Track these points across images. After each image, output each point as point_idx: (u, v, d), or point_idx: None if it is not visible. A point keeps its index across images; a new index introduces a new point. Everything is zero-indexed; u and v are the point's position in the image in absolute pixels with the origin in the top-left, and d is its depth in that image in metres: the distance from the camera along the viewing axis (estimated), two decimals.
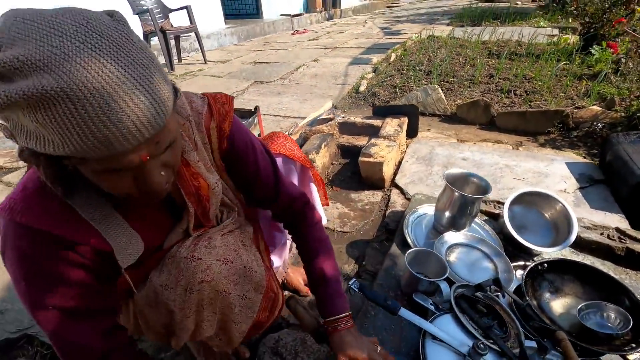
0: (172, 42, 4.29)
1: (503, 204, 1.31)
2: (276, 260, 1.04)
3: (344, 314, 0.76)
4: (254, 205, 0.85)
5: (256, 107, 2.08)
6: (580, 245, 1.20)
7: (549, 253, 1.13)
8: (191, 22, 4.15)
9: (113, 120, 0.37)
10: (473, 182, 1.18)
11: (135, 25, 4.26)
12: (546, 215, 1.23)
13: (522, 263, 1.12)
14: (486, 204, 1.41)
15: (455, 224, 1.17)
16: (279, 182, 0.79)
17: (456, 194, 1.12)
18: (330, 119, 2.13)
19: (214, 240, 0.69)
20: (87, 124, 0.36)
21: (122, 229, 0.59)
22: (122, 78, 0.37)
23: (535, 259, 1.14)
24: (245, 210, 0.84)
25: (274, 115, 2.63)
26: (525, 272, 0.98)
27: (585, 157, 1.87)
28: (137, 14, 3.87)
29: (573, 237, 1.10)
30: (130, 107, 0.38)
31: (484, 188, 1.14)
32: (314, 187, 1.05)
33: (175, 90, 0.49)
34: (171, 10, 4.26)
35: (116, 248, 0.58)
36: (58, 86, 0.34)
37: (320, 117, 2.23)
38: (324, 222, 1.06)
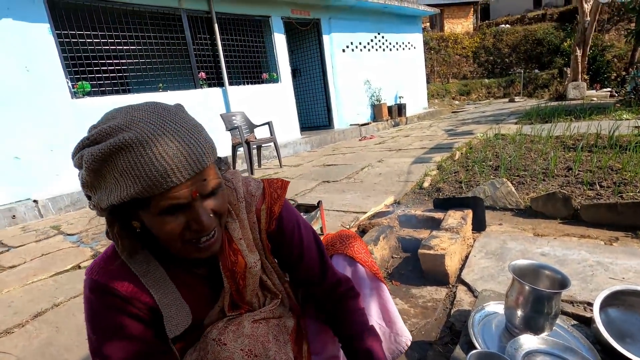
0: (255, 151, 4.97)
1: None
2: None
3: None
4: (299, 286, 0.86)
5: (319, 202, 2.21)
6: None
7: None
8: (271, 135, 4.83)
9: (170, 155, 0.52)
10: (546, 275, 1.04)
11: (227, 139, 5.10)
12: None
13: None
14: (573, 305, 1.19)
15: (531, 325, 1.00)
16: (325, 264, 0.81)
17: (527, 287, 0.99)
18: (390, 212, 2.14)
19: (243, 327, 0.67)
20: (151, 160, 0.51)
21: (174, 298, 0.65)
22: (176, 128, 0.54)
23: None
24: (291, 301, 0.84)
25: (337, 211, 2.73)
26: None
27: None
28: (229, 130, 4.67)
29: None
30: (182, 146, 0.53)
31: (562, 282, 0.99)
32: (388, 298, 0.97)
33: (220, 159, 0.64)
34: (256, 126, 5.06)
35: (165, 316, 0.63)
36: (134, 136, 0.51)
37: (380, 211, 2.25)
38: (407, 342, 0.98)
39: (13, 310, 1.83)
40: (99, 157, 0.51)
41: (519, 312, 1.02)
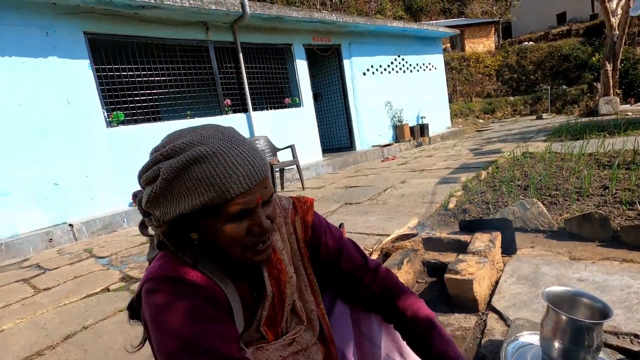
0: (277, 173, 5.05)
1: None
2: None
3: None
4: (346, 281, 0.84)
5: (341, 225, 2.18)
6: None
7: None
8: (294, 157, 4.91)
9: (241, 163, 0.58)
10: (584, 303, 0.97)
11: None
12: None
13: None
14: (618, 337, 1.09)
15: (570, 359, 0.92)
16: (363, 253, 0.88)
17: (563, 317, 0.92)
18: (414, 235, 2.09)
19: None
20: (226, 168, 0.57)
21: (236, 298, 0.68)
22: (242, 141, 0.61)
23: None
24: (324, 324, 0.82)
25: (360, 233, 2.69)
26: None
27: None
28: None
29: None
30: (250, 156, 0.60)
31: (602, 311, 0.92)
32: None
33: (271, 165, 0.69)
34: (279, 149, 5.16)
35: (235, 310, 0.66)
36: (209, 149, 0.57)
37: (404, 233, 2.20)
38: None
39: (45, 332, 1.89)
40: (177, 168, 0.56)
41: (557, 344, 0.94)
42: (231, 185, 0.56)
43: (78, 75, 4.32)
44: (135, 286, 2.35)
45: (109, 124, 4.59)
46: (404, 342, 0.91)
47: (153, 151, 0.61)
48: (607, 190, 2.60)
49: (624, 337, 1.11)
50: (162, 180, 0.57)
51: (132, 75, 4.80)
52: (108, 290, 2.38)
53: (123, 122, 4.78)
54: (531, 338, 1.11)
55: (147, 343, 0.66)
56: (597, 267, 1.65)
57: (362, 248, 0.92)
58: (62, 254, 3.53)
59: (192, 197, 0.56)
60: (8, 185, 3.86)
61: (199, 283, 0.62)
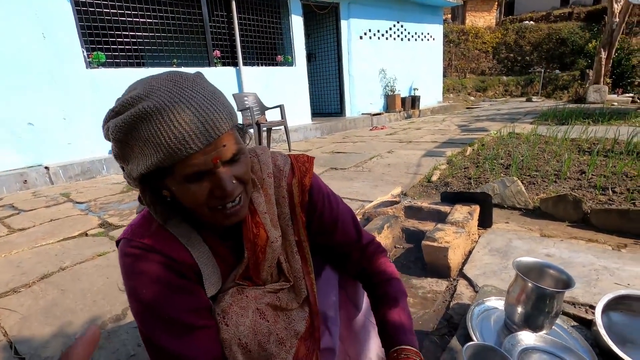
0: (265, 133, 4.96)
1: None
2: None
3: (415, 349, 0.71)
4: (337, 254, 0.85)
5: None
6: None
7: None
8: (282, 118, 4.81)
9: (187, 121, 0.52)
10: (551, 274, 1.03)
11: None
12: None
13: None
14: (575, 307, 1.18)
15: (530, 323, 0.99)
16: (358, 226, 0.86)
17: (530, 285, 0.98)
18: (397, 202, 2.13)
19: (247, 316, 0.66)
20: (169, 127, 0.51)
21: (208, 258, 0.66)
22: (194, 95, 0.54)
23: None
24: (311, 297, 0.79)
25: (344, 198, 2.72)
26: None
27: None
28: (240, 110, 4.66)
29: None
30: (200, 112, 0.53)
31: (566, 282, 0.98)
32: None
33: (241, 126, 0.65)
34: (268, 108, 5.03)
35: (204, 274, 0.65)
36: (152, 104, 0.51)
37: (387, 200, 2.24)
38: None
39: (21, 270, 1.87)
40: (122, 128, 0.52)
41: (520, 309, 1.01)
42: (177, 146, 0.51)
43: (54, 7, 3.99)
44: (114, 233, 2.34)
45: (89, 64, 4.33)
46: None
47: (115, 101, 0.57)
48: (583, 174, 2.69)
49: (580, 307, 1.19)
50: (113, 140, 0.55)
51: (115, 14, 4.47)
52: (86, 235, 2.35)
53: (104, 65, 4.51)
54: (497, 303, 1.19)
55: None
56: (565, 244, 1.75)
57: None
58: (37, 197, 3.44)
59: (144, 157, 0.53)
60: None
61: (166, 252, 0.62)
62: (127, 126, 0.52)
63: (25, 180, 3.79)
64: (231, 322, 0.64)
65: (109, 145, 4.52)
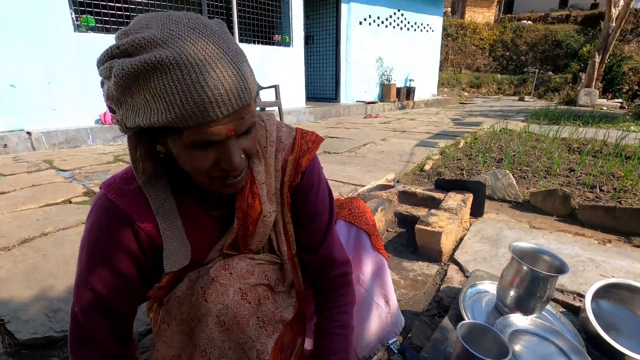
0: None
1: (584, 297, 1.11)
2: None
3: None
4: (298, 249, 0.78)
5: None
6: None
7: None
8: (277, 99, 4.73)
9: (210, 86, 0.45)
10: (545, 260, 1.04)
11: None
12: None
13: None
14: (563, 294, 1.20)
15: (521, 306, 1.00)
16: (327, 235, 0.75)
17: (524, 268, 0.98)
18: (391, 186, 2.12)
19: (228, 295, 0.62)
20: (189, 88, 0.44)
21: (177, 233, 0.62)
22: (220, 55, 0.46)
23: None
24: (296, 279, 0.76)
25: (336, 181, 2.71)
26: None
27: None
28: None
29: None
30: (225, 78, 0.46)
31: (559, 267, 0.99)
32: (388, 276, 0.94)
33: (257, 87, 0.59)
34: (262, 88, 4.93)
35: (166, 250, 0.61)
36: (172, 56, 0.43)
37: (382, 184, 2.23)
38: (401, 329, 0.97)
39: (0, 234, 1.80)
40: (131, 74, 0.44)
41: (513, 292, 1.02)
42: (194, 111, 0.45)
43: None
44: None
45: (77, 27, 4.13)
46: (392, 290, 0.95)
47: (120, 35, 0.48)
48: (573, 172, 2.73)
49: (568, 295, 1.22)
50: (115, 83, 0.46)
51: None
52: (70, 202, 2.28)
53: (93, 29, 4.31)
54: (489, 287, 1.20)
55: None
56: (553, 236, 1.78)
57: (335, 202, 0.83)
58: (18, 162, 3.31)
59: (149, 110, 0.46)
60: None
61: (133, 218, 0.58)
62: (137, 73, 0.44)
63: (6, 145, 3.63)
64: (210, 298, 0.60)
65: (96, 114, 4.38)
